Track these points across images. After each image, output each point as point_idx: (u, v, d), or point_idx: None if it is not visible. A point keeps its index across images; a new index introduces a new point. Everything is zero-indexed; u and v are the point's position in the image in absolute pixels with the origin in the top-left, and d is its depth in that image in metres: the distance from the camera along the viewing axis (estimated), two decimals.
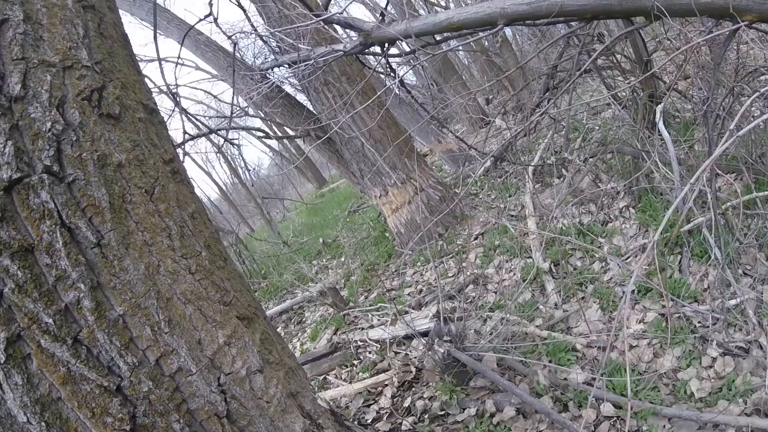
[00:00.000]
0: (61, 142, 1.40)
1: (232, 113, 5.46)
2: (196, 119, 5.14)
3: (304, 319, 6.12)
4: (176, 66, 3.67)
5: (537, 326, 3.56)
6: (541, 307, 3.79)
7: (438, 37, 4.44)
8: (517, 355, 3.21)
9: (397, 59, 8.20)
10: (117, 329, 1.43)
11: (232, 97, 4.43)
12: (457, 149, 9.45)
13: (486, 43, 14.01)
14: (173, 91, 3.52)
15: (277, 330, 5.94)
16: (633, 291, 3.58)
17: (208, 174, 21.59)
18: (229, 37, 3.38)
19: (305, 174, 18.75)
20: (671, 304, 3.28)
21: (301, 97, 7.69)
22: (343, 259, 7.37)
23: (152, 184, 1.56)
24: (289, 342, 5.72)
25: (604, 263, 3.98)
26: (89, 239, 1.40)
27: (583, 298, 3.68)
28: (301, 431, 1.73)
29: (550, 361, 3.16)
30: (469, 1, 12.19)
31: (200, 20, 3.72)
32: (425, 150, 11.81)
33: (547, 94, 7.23)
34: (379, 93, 4.67)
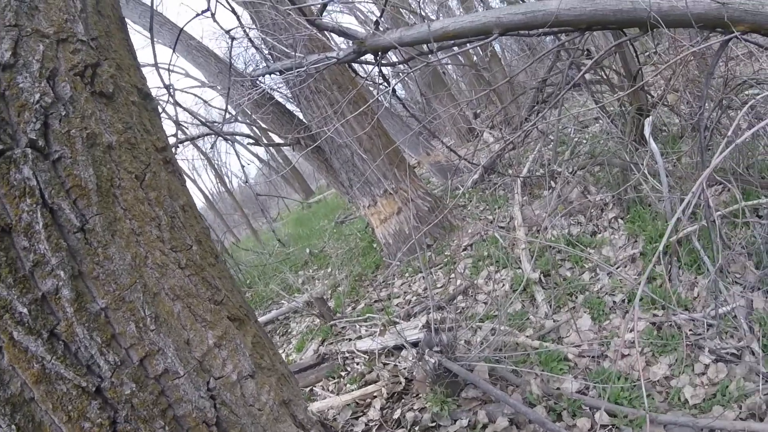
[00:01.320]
0: (49, 116, 1.29)
1: (227, 110, 5.41)
2: (181, 126, 5.06)
3: (289, 330, 6.03)
4: (168, 71, 3.59)
5: (528, 336, 3.53)
6: (531, 317, 3.76)
7: (432, 47, 4.45)
8: (508, 365, 3.17)
9: (389, 70, 8.21)
10: (98, 324, 1.31)
11: (228, 93, 4.36)
12: (445, 161, 9.46)
13: (475, 58, 14.13)
14: (167, 84, 3.45)
15: None
16: (624, 300, 3.57)
17: (194, 182, 21.40)
18: (227, 32, 3.34)
19: (292, 185, 18.67)
20: (662, 313, 3.28)
21: (291, 107, 7.67)
22: (330, 269, 7.30)
23: (143, 170, 1.47)
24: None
25: (593, 273, 3.97)
26: (72, 222, 1.28)
27: (573, 308, 3.66)
28: None
29: (542, 371, 3.13)
30: (457, 12, 12.28)
31: (198, 15, 3.68)
32: (413, 162, 11.82)
33: (535, 107, 7.27)
34: (370, 101, 4.64)
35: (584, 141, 6.84)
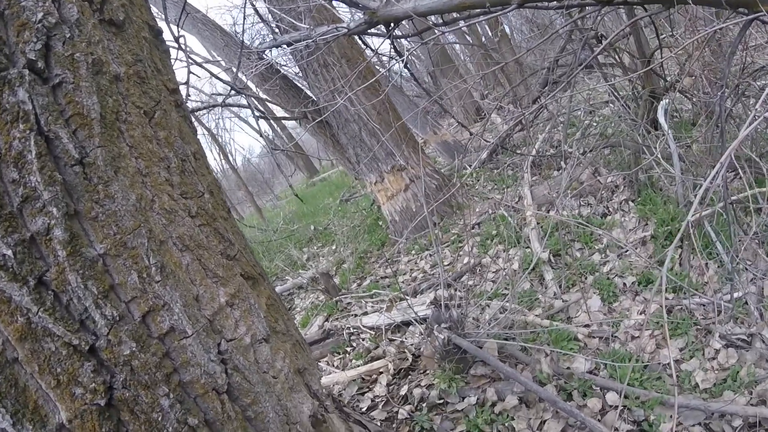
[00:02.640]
0: (52, 37, 1.14)
1: (235, 80, 5.33)
2: (191, 90, 4.98)
3: (294, 306, 6.02)
4: (177, 50, 3.50)
5: (537, 315, 3.50)
6: (540, 296, 3.73)
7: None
8: (518, 342, 3.14)
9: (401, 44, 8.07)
10: (95, 272, 1.12)
11: (239, 64, 4.27)
12: (452, 140, 9.37)
13: (484, 39, 13.93)
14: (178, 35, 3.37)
15: None
16: (634, 283, 3.54)
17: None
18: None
19: (296, 163, 18.57)
20: (673, 296, 3.25)
21: (299, 81, 7.57)
22: (335, 246, 7.27)
23: (153, 107, 1.32)
24: None
25: (603, 255, 3.93)
26: (71, 154, 1.13)
27: (583, 288, 3.62)
28: (309, 413, 1.53)
29: (552, 351, 3.10)
30: None
31: None
32: (420, 141, 11.74)
33: (546, 88, 7.17)
34: (381, 73, 4.56)
35: (595, 123, 6.75)
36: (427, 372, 3.27)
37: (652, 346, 2.99)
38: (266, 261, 7.74)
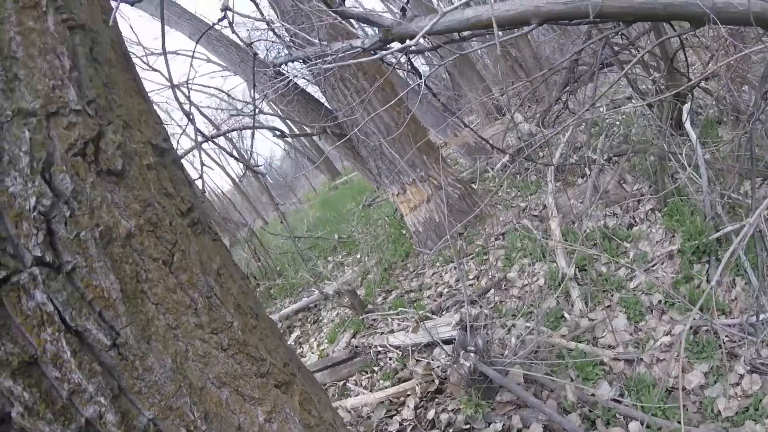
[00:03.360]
0: (52, 221, 1.09)
1: (254, 102, 5.41)
2: (199, 128, 5.06)
3: (320, 318, 6.08)
4: (191, 64, 3.57)
5: (563, 336, 3.49)
6: (566, 314, 3.71)
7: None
8: (543, 367, 3.15)
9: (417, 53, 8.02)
10: None
11: (253, 87, 4.33)
12: (473, 143, 9.33)
13: (500, 33, 13.79)
14: (184, 88, 3.44)
15: (295, 333, 5.92)
16: (660, 301, 3.49)
17: (222, 167, 21.58)
18: (248, 45, 3.29)
19: (318, 166, 18.66)
20: (698, 317, 3.19)
21: (313, 89, 7.59)
22: (359, 255, 7.31)
23: (170, 251, 1.28)
24: (306, 341, 5.69)
25: (630, 270, 3.89)
26: (102, 342, 1.13)
27: (608, 306, 3.59)
28: None
29: (577, 376, 3.09)
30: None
31: (215, 23, 3.63)
32: (439, 143, 11.71)
33: (567, 88, 7.09)
34: (400, 95, 4.57)
35: (617, 123, 6.65)
36: (454, 397, 3.30)
37: (677, 370, 2.96)
38: (292, 272, 7.82)
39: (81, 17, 1.26)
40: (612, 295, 3.70)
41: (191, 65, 3.98)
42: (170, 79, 2.38)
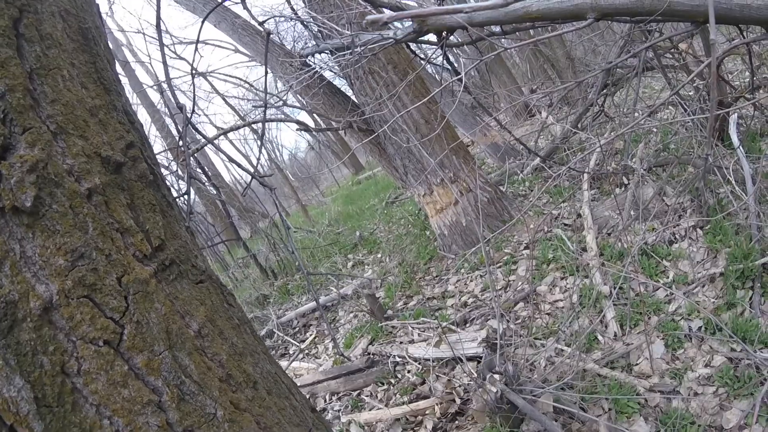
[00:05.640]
0: None
1: (278, 95, 5.22)
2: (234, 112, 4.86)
3: (337, 318, 5.88)
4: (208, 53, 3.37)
5: (595, 361, 3.21)
6: (599, 336, 3.43)
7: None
8: (574, 394, 2.88)
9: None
10: None
11: (265, 80, 4.13)
12: (501, 143, 9.02)
13: (532, 32, 13.42)
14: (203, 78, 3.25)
15: (311, 332, 5.73)
16: (701, 328, 3.20)
17: (246, 157, 21.40)
18: (261, 24, 3.07)
19: (341, 158, 18.45)
20: (740, 348, 2.90)
21: (339, 82, 7.37)
22: (380, 255, 7.09)
23: (118, 324, 0.94)
24: (322, 342, 5.50)
25: (668, 291, 3.58)
26: None
27: (645, 331, 3.30)
28: None
29: (610, 409, 2.83)
30: None
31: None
32: (467, 141, 11.40)
33: (604, 90, 6.74)
34: (436, 91, 4.32)
35: (654, 129, 6.29)
36: (476, 422, 3.05)
37: (716, 406, 2.68)
38: (311, 268, 7.64)
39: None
40: (649, 318, 3.41)
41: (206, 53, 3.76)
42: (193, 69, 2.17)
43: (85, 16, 1.08)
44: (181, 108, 2.20)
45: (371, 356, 4.32)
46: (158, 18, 2.21)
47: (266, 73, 3.63)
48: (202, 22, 2.97)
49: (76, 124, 0.92)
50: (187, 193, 2.20)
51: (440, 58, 4.41)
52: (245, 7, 3.02)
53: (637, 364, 3.16)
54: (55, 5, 0.98)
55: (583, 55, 11.66)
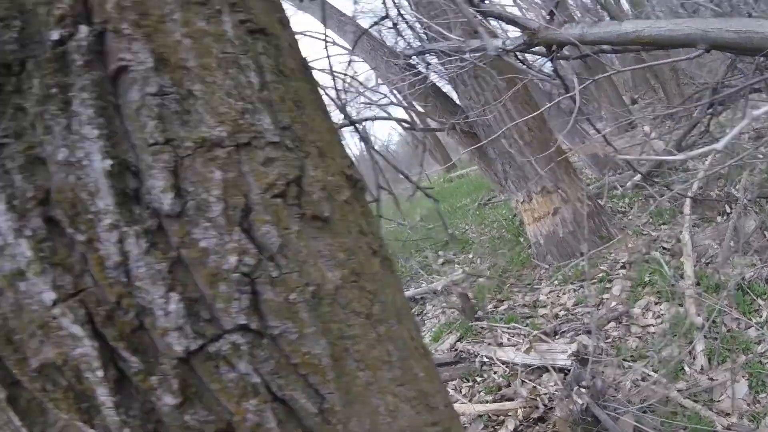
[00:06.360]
0: (257, 282, 0.89)
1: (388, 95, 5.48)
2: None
3: (425, 312, 6.14)
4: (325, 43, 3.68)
5: (679, 390, 3.30)
6: (686, 367, 3.50)
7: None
8: (655, 418, 3.00)
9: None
10: None
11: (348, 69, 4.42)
12: (601, 154, 8.90)
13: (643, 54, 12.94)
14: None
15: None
16: None
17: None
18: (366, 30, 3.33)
19: (434, 155, 18.66)
20: None
21: (441, 83, 7.53)
22: (471, 255, 7.28)
23: (371, 303, 1.09)
24: None
25: (760, 332, 3.57)
26: (308, 410, 0.99)
27: (732, 368, 3.33)
28: None
29: None
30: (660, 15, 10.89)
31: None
32: (565, 147, 11.26)
33: (710, 110, 6.54)
34: (548, 105, 4.46)
35: (761, 156, 6.05)
36: (557, 430, 3.24)
37: None
38: (402, 260, 7.93)
39: (260, 19, 0.98)
40: (737, 356, 3.43)
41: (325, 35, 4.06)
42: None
43: (299, 48, 1.18)
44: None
45: (459, 352, 4.57)
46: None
47: (352, 50, 3.91)
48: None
49: (328, 149, 1.08)
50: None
51: (548, 69, 4.51)
52: (398, 32, 3.29)
53: (719, 401, 3.22)
54: (286, 41, 1.08)
55: (687, 65, 11.14)
